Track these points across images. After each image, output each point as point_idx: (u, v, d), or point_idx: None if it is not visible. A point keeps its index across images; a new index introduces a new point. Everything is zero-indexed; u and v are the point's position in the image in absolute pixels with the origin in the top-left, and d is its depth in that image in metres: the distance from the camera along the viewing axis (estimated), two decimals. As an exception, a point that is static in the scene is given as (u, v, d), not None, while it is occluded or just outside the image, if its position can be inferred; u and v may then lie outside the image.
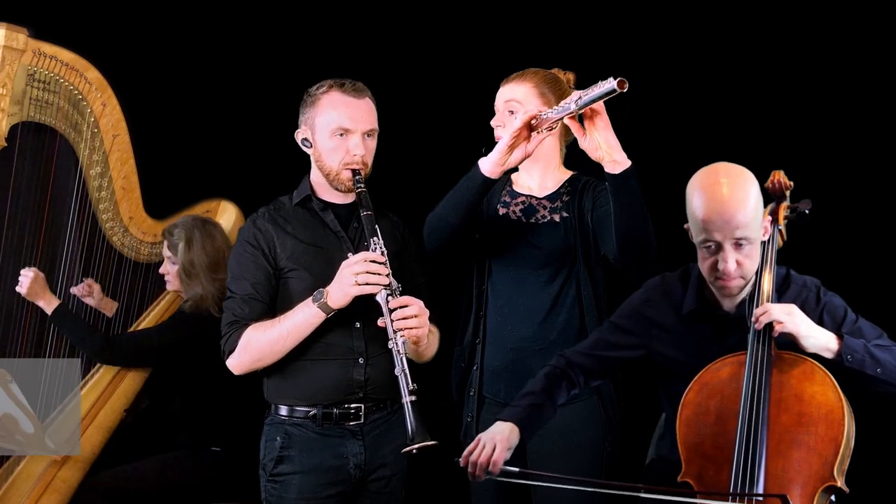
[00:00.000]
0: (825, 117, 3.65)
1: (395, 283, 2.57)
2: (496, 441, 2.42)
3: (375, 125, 2.72)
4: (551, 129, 2.63)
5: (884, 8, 3.61)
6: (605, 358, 2.62)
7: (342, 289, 2.57)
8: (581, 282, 2.84)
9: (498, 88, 2.92)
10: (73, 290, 3.65)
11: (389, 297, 2.55)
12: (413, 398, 2.46)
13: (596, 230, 2.83)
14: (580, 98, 2.49)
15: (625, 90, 2.39)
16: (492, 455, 2.40)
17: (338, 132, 2.67)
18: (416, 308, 2.56)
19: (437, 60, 3.99)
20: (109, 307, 3.75)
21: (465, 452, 2.43)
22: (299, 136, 2.75)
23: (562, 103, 2.56)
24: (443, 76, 3.97)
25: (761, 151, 2.98)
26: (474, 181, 2.70)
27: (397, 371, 2.49)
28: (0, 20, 3.17)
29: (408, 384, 2.48)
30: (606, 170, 2.58)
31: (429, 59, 4.00)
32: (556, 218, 2.87)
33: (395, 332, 2.52)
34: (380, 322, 2.55)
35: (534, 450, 2.75)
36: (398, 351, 2.51)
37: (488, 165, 2.68)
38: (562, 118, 2.56)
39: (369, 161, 2.71)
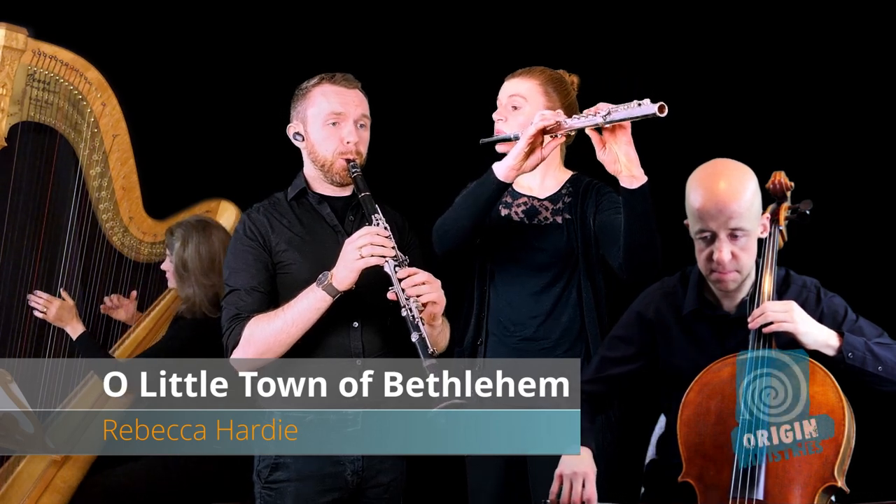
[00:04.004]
0: (825, 117, 3.65)
1: (401, 255, 2.51)
2: (582, 474, 2.34)
3: (367, 114, 2.69)
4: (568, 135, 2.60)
5: (884, 8, 3.61)
6: (611, 377, 2.60)
7: (347, 265, 2.51)
8: (582, 283, 2.83)
9: (495, 84, 2.90)
10: (103, 306, 3.66)
11: (397, 268, 2.49)
12: (433, 362, 2.40)
13: (599, 236, 2.82)
14: (609, 113, 2.45)
15: (664, 115, 2.35)
16: (583, 491, 2.33)
17: (330, 120, 2.65)
18: (425, 276, 2.50)
19: (433, 60, 3.99)
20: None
21: (552, 495, 2.34)
22: (291, 130, 2.72)
23: (586, 113, 2.52)
24: (439, 75, 3.96)
25: (761, 151, 2.97)
26: (488, 185, 2.67)
27: (415, 338, 2.41)
28: (0, 20, 3.17)
29: (427, 349, 2.40)
30: (622, 184, 2.55)
31: (424, 58, 4.00)
32: (559, 219, 2.87)
33: (407, 298, 2.45)
34: (389, 294, 2.48)
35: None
36: (413, 317, 2.43)
37: (503, 170, 2.65)
38: (582, 128, 2.53)
39: (363, 150, 2.69)
